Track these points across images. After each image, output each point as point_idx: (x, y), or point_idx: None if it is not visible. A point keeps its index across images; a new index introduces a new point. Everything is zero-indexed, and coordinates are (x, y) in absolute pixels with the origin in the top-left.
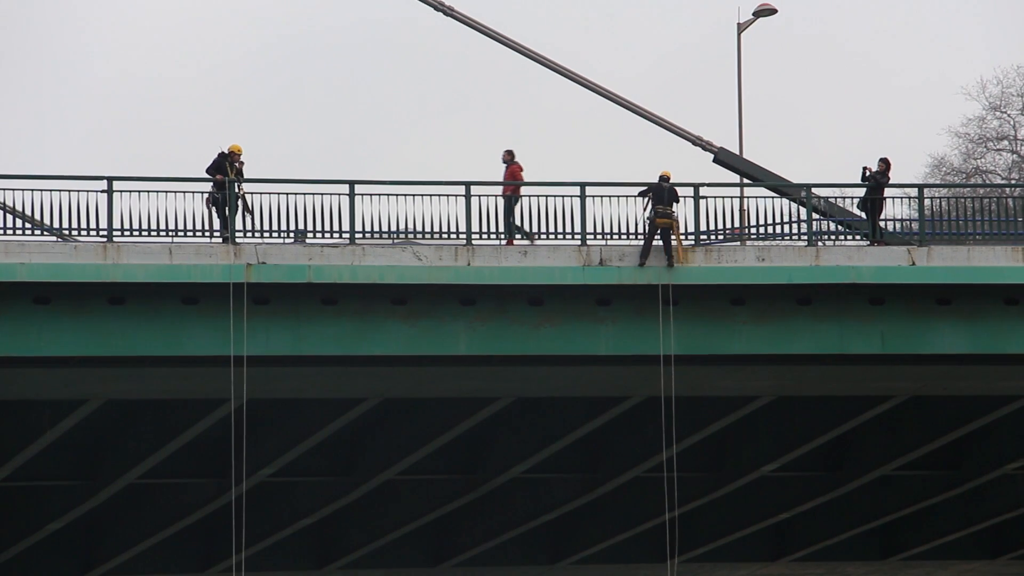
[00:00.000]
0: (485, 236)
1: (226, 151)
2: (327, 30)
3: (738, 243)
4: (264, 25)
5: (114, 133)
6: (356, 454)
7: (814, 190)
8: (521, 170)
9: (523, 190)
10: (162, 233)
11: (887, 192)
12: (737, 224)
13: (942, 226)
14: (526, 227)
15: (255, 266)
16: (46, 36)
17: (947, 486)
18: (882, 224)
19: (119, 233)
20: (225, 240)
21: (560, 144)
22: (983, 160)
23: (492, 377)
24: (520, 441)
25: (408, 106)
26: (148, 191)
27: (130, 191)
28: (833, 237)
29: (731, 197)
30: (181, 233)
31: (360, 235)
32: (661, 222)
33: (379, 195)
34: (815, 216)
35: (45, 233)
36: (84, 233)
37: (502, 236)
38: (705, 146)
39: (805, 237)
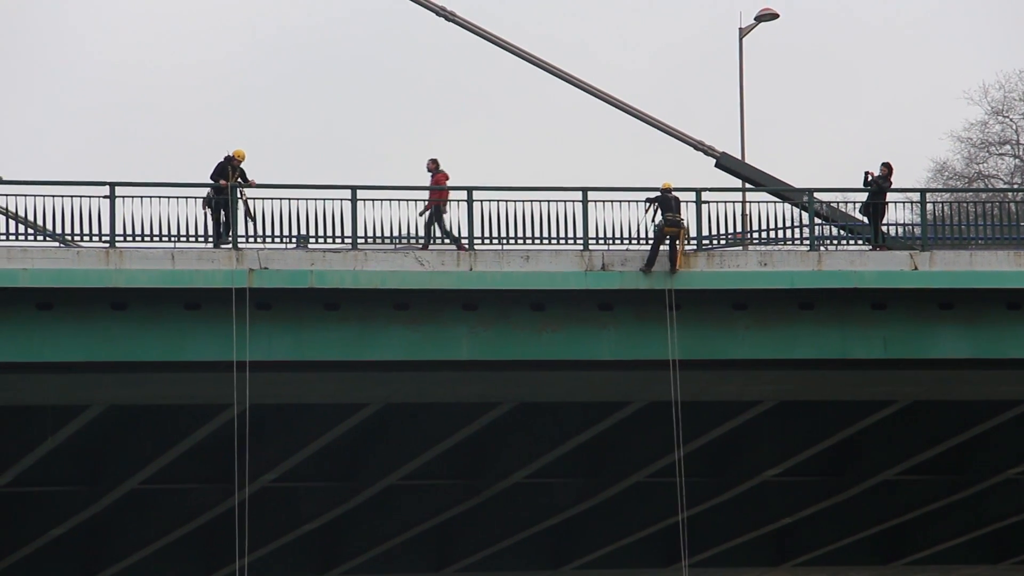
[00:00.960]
0: (487, 241)
1: (231, 155)
2: (329, 38)
3: (740, 248)
4: (266, 27)
5: (116, 138)
6: (358, 459)
7: (816, 195)
8: (447, 178)
9: (523, 194)
10: (164, 239)
11: (889, 197)
12: (739, 229)
13: (944, 231)
14: (464, 231)
15: (257, 271)
16: (47, 41)
17: (950, 491)
18: (884, 229)
19: (121, 239)
20: (218, 246)
21: (562, 148)
22: (986, 165)
23: (494, 382)
24: (522, 446)
25: (409, 110)
26: (150, 196)
27: (132, 196)
28: (835, 242)
29: (733, 202)
30: (183, 238)
31: (362, 240)
32: (670, 230)
33: (381, 200)
34: (817, 221)
35: (48, 239)
36: (87, 239)
37: (504, 241)
38: (707, 151)
39: (807, 242)
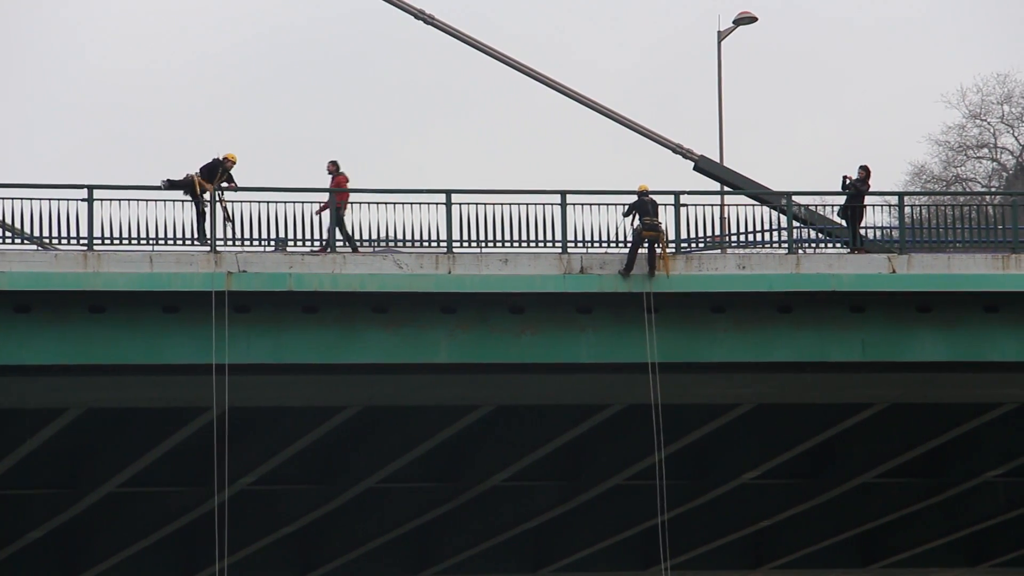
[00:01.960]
0: (466, 244)
1: (221, 157)
2: (308, 41)
3: (719, 251)
4: (246, 30)
5: (98, 139)
6: (337, 462)
7: (794, 198)
8: (347, 180)
9: (502, 198)
10: (143, 241)
11: (867, 200)
12: (718, 232)
13: (922, 234)
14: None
15: (236, 274)
16: (30, 41)
17: (928, 494)
18: (862, 232)
19: (100, 241)
20: (202, 230)
21: (541, 151)
22: (963, 168)
23: (473, 385)
24: (502, 449)
25: (388, 112)
26: (129, 199)
27: (111, 199)
28: (814, 245)
29: (712, 205)
30: (162, 241)
31: (341, 243)
32: (648, 234)
33: (360, 203)
34: (796, 224)
35: (25, 241)
36: (65, 241)
37: (483, 244)
38: (685, 154)
39: (786, 245)
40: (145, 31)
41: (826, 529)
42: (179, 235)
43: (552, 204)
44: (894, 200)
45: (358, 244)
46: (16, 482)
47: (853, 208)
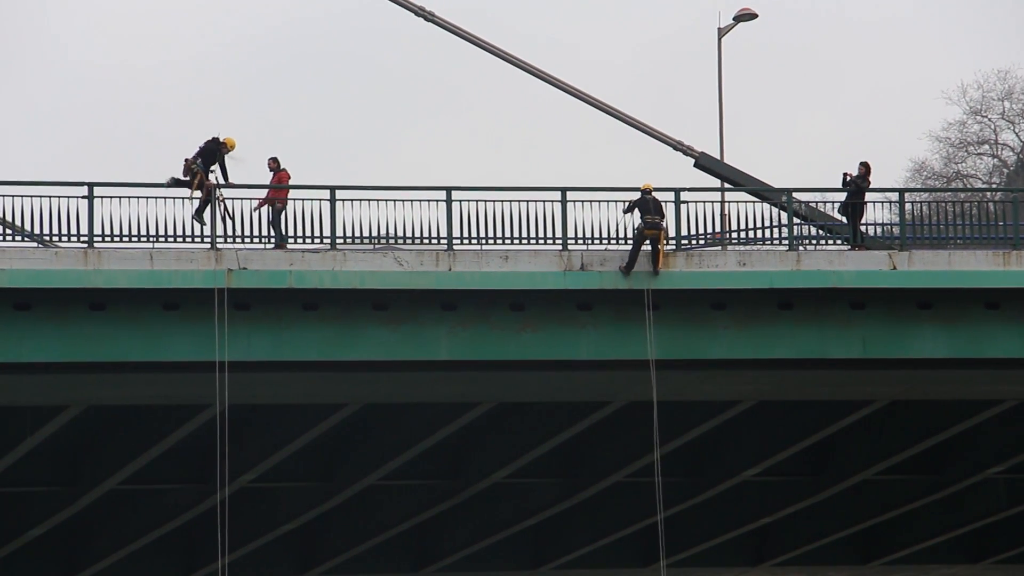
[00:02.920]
0: (466, 241)
1: (220, 138)
2: (308, 36)
3: (719, 248)
4: (244, 27)
5: (96, 137)
6: (338, 459)
7: (795, 195)
8: (288, 177)
9: (503, 194)
10: (143, 239)
11: (868, 196)
12: (718, 229)
13: (923, 230)
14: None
15: (236, 271)
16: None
17: (928, 491)
18: (863, 228)
19: (100, 239)
20: (201, 220)
21: (542, 148)
22: (964, 164)
23: (473, 382)
24: (502, 446)
25: (388, 109)
26: (129, 197)
27: (111, 197)
28: (814, 241)
29: (712, 202)
30: (162, 239)
31: (341, 240)
32: (650, 232)
33: (360, 200)
34: (796, 220)
35: (26, 239)
36: (65, 239)
37: (483, 241)
38: (686, 151)
39: (786, 242)
40: (145, 28)
41: (827, 526)
42: (179, 232)
43: (552, 201)
44: (895, 197)
45: (294, 240)
46: (17, 479)
47: (854, 205)
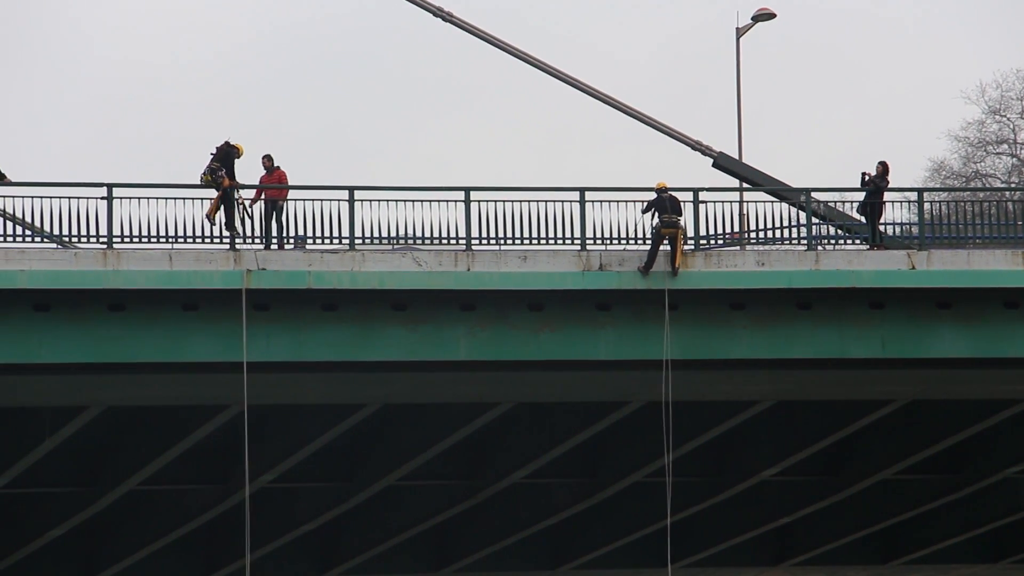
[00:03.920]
0: (485, 241)
1: (232, 143)
2: (325, 36)
3: (738, 248)
4: (261, 25)
5: (114, 135)
6: (357, 460)
7: (813, 194)
8: (285, 174)
9: (521, 195)
10: (162, 239)
11: (887, 196)
12: (737, 229)
13: (942, 230)
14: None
15: (255, 272)
16: (44, 38)
17: (948, 490)
18: (882, 228)
19: (119, 240)
20: (232, 229)
21: (560, 148)
22: (983, 164)
23: (492, 382)
24: (520, 446)
25: (406, 109)
26: (148, 197)
27: (130, 198)
28: (833, 241)
29: (731, 202)
30: (181, 239)
31: (360, 241)
32: (668, 231)
33: (379, 201)
34: (815, 220)
35: (45, 240)
36: (84, 240)
37: (502, 241)
38: (704, 151)
39: (805, 241)
40: (160, 26)
41: (846, 526)
42: (199, 233)
43: (571, 201)
44: (914, 196)
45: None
46: (36, 480)
47: (872, 204)
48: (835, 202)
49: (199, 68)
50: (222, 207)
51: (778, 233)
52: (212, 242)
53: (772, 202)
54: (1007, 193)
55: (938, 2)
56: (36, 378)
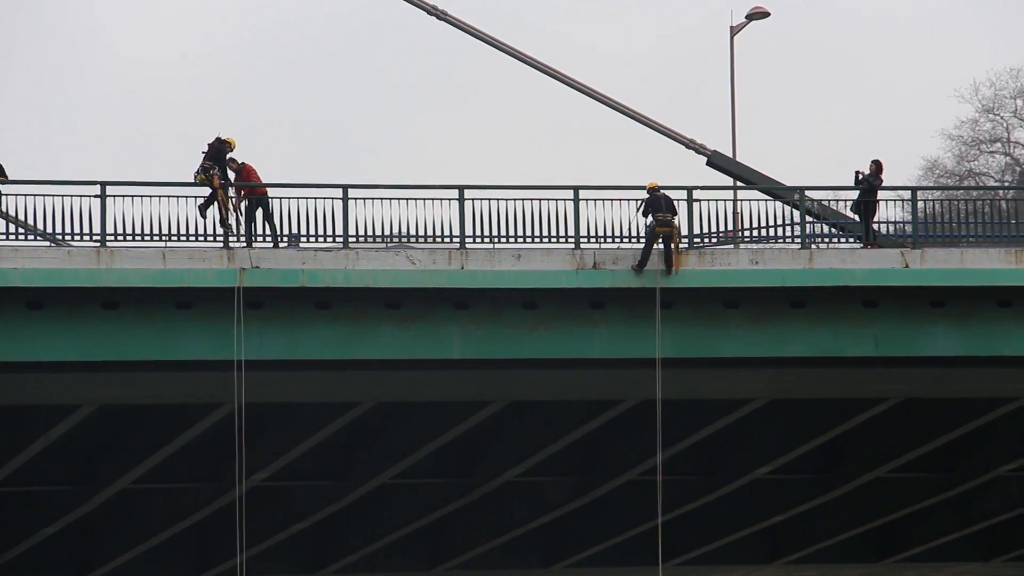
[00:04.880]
0: (479, 240)
1: (224, 138)
2: (320, 34)
3: (731, 246)
4: (257, 23)
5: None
6: (351, 458)
7: (807, 193)
8: (254, 169)
9: (515, 193)
10: (155, 238)
11: (880, 195)
12: (730, 227)
13: (935, 228)
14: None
15: (249, 270)
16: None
17: (942, 488)
18: (875, 227)
19: (112, 238)
20: (226, 224)
21: (554, 146)
22: (976, 162)
23: (486, 381)
24: (514, 445)
25: (400, 107)
26: (141, 196)
27: (123, 196)
28: (826, 240)
29: (724, 200)
30: (175, 237)
31: (353, 239)
32: (662, 230)
33: (372, 199)
34: (808, 219)
35: (39, 238)
36: (78, 238)
37: (496, 239)
38: (698, 149)
39: (798, 240)
40: (154, 24)
41: (840, 524)
42: (192, 231)
43: (565, 199)
44: (907, 195)
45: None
46: (30, 478)
47: (866, 203)
48: (829, 201)
49: (193, 65)
50: (216, 205)
51: (772, 232)
52: (206, 240)
53: (766, 201)
54: (1000, 192)
55: (931, 1)
56: (29, 376)
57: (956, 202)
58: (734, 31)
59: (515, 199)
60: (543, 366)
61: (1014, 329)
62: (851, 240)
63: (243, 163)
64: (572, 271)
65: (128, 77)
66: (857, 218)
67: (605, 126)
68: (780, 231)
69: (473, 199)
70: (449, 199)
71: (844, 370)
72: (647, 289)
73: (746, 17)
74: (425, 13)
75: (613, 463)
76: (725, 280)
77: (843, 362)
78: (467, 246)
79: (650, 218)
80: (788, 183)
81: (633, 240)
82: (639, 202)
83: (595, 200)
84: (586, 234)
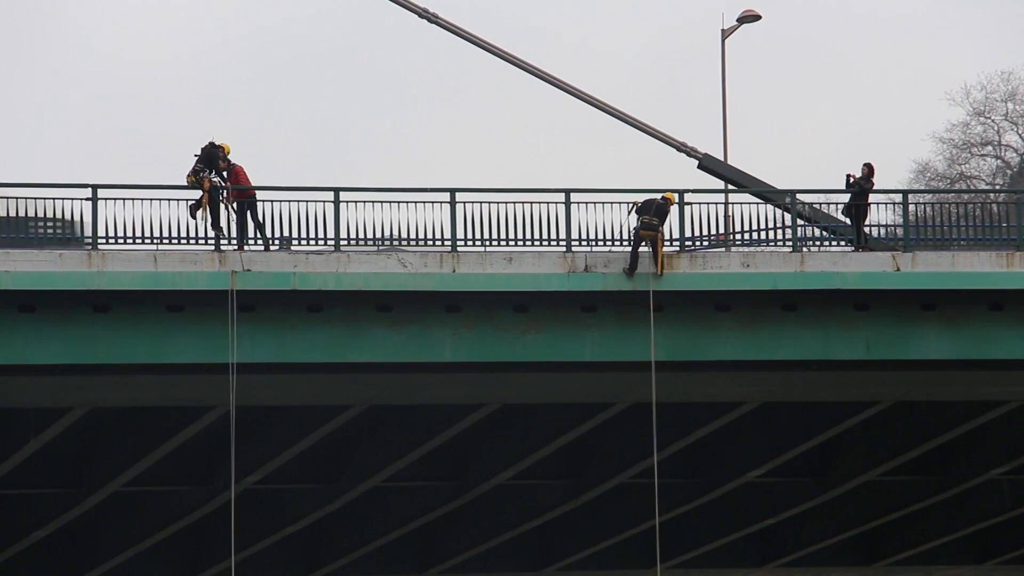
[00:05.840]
0: (470, 243)
1: (217, 143)
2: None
3: (723, 249)
4: (247, 25)
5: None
6: (342, 461)
7: (799, 196)
8: (243, 169)
9: (506, 196)
10: (147, 240)
11: (871, 198)
12: (722, 230)
13: (927, 232)
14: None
15: (240, 273)
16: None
17: (933, 491)
18: (867, 230)
19: (104, 241)
20: (217, 227)
21: (545, 150)
22: (967, 166)
23: (478, 384)
24: (506, 448)
25: (390, 110)
26: (133, 199)
27: (115, 198)
28: (818, 243)
29: (716, 203)
30: (166, 240)
31: (345, 242)
32: (646, 234)
33: (364, 202)
34: (800, 222)
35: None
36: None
37: (487, 242)
38: (690, 152)
39: (790, 243)
40: (147, 24)
41: (831, 527)
42: (183, 234)
43: (556, 203)
44: (898, 198)
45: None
46: (21, 482)
47: (857, 206)
48: (820, 204)
49: (184, 66)
50: (207, 208)
51: (763, 235)
52: (198, 243)
53: (757, 204)
54: (991, 195)
55: (923, 4)
56: (21, 379)
57: (947, 205)
58: (725, 35)
59: (506, 202)
60: (535, 369)
61: (1005, 332)
62: (842, 243)
63: (233, 163)
64: (563, 274)
65: (119, 77)
66: (848, 221)
67: (596, 129)
68: (771, 234)
69: (465, 202)
70: (441, 202)
71: (835, 373)
72: (638, 292)
73: (737, 20)
74: (416, 16)
75: (605, 466)
76: (716, 283)
77: (834, 365)
78: (459, 249)
79: (636, 221)
80: (779, 186)
81: (624, 243)
82: (632, 203)
83: (586, 203)
84: (577, 237)
